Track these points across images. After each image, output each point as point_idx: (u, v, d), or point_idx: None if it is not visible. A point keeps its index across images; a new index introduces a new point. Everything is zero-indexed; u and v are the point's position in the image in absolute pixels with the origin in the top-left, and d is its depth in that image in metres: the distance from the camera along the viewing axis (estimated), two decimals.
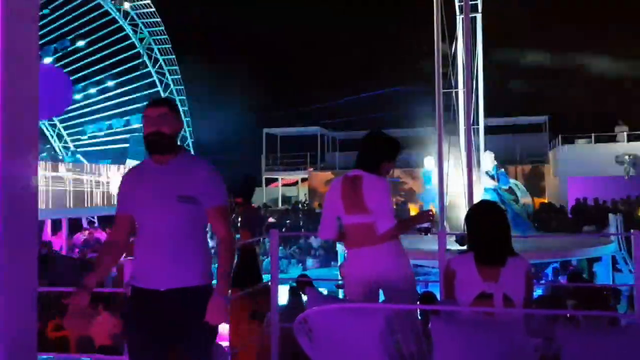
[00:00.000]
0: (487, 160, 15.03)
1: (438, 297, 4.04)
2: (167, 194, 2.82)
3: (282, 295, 9.24)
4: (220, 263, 2.86)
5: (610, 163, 25.49)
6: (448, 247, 8.14)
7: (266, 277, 4.84)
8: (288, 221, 24.19)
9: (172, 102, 3.11)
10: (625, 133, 27.67)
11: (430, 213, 4.04)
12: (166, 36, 34.50)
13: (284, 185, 35.72)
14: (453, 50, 17.26)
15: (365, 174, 3.73)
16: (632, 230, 4.66)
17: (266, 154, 34.29)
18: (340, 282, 3.79)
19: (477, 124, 18.95)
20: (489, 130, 21.34)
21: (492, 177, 14.62)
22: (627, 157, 25.27)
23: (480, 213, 3.33)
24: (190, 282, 2.81)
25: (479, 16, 18.22)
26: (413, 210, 27.88)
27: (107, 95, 33.39)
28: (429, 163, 15.63)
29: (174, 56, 35.02)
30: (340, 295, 10.81)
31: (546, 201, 26.96)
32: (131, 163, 19.81)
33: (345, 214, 3.73)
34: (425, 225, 3.91)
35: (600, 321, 2.57)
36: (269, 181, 35.33)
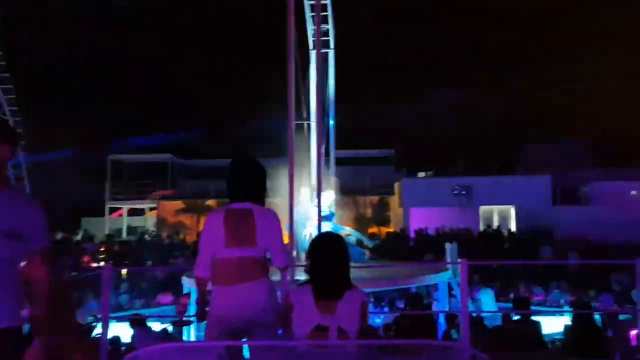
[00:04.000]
0: (328, 198, 15.45)
1: None
2: None
3: (125, 331, 8.77)
4: (34, 306, 2.64)
5: (449, 195, 27.28)
6: (297, 277, 8.19)
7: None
8: (134, 254, 23.13)
9: None
10: (462, 167, 29.89)
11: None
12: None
13: (130, 214, 34.01)
14: (306, 84, 17.71)
15: (255, 206, 3.62)
16: (459, 260, 4.97)
17: (111, 181, 32.62)
18: (176, 319, 3.62)
19: (328, 156, 19.51)
20: (339, 161, 22.02)
21: (326, 218, 15.05)
22: (462, 189, 27.22)
23: (320, 245, 3.34)
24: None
25: (331, 52, 18.91)
26: None
27: None
28: (304, 195, 15.70)
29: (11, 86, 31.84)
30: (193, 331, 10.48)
31: (392, 230, 28.26)
32: None
33: (226, 248, 3.54)
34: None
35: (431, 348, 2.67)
36: (114, 210, 33.53)
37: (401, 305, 14.59)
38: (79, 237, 27.60)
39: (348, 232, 16.46)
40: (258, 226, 3.55)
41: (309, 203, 15.19)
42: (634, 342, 7.16)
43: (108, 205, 32.13)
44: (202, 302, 3.66)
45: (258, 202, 3.66)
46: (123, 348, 7.65)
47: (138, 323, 5.15)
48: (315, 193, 12.74)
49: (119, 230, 31.48)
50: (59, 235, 25.85)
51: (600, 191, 27.61)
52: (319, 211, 11.87)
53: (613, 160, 29.27)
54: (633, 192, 27.58)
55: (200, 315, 3.64)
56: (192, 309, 4.59)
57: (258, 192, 3.68)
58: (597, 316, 8.49)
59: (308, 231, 14.31)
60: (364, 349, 2.92)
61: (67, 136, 35.95)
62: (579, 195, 28.60)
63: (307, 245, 3.41)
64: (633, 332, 7.80)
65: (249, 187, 3.67)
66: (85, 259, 20.66)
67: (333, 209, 15.96)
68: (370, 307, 12.26)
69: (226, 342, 2.95)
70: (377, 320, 11.69)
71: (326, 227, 14.56)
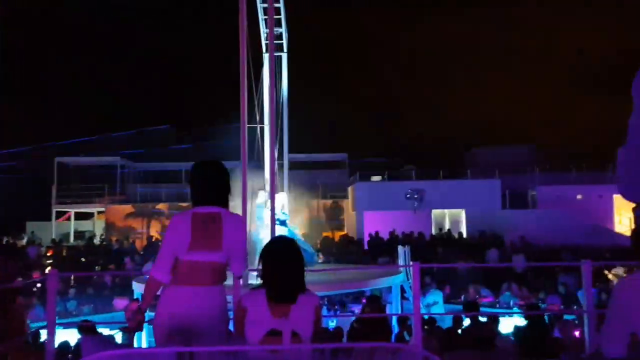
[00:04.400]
0: (281, 200, 15.44)
1: None
2: None
3: (73, 338, 8.52)
4: None
5: (401, 198, 27.57)
6: (250, 282, 8.11)
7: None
8: (83, 259, 22.55)
9: None
10: (413, 171, 30.25)
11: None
12: None
13: (77, 219, 33.08)
14: (259, 87, 17.63)
15: (225, 211, 3.55)
16: (411, 262, 5.00)
17: (58, 184, 31.65)
18: (125, 324, 3.50)
19: (282, 160, 19.46)
20: (292, 165, 21.98)
21: (280, 222, 15.02)
22: (414, 193, 27.54)
23: (273, 250, 3.31)
24: None
25: (284, 55, 18.86)
26: None
27: None
28: (261, 198, 15.58)
29: None
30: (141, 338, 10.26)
31: (344, 234, 28.39)
32: None
33: (190, 250, 3.45)
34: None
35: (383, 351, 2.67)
36: (60, 214, 32.57)
37: (354, 308, 14.67)
38: (24, 241, 26.76)
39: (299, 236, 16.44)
40: (225, 231, 3.49)
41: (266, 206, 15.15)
42: (577, 342, 7.37)
43: (54, 209, 31.22)
44: (148, 306, 3.55)
45: (224, 205, 3.60)
46: (70, 356, 7.45)
47: (86, 329, 4.99)
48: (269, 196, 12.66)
49: (66, 235, 30.62)
50: (4, 240, 25.04)
51: (547, 195, 28.38)
52: (272, 214, 11.81)
53: (560, 165, 30.10)
54: (579, 196, 28.45)
55: (140, 323, 3.48)
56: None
57: (224, 195, 3.62)
58: (545, 317, 8.68)
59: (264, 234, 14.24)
60: (318, 353, 2.90)
61: (12, 136, 34.93)
62: (528, 199, 29.31)
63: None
64: (577, 332, 8.03)
65: (216, 190, 3.60)
66: (30, 264, 20.01)
67: (286, 211, 15.92)
68: (324, 311, 12.26)
69: (177, 347, 2.88)
70: (331, 324, 11.70)
71: (281, 231, 14.51)
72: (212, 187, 3.58)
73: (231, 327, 3.51)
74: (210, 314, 3.45)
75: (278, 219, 15.19)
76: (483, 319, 8.32)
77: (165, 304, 3.48)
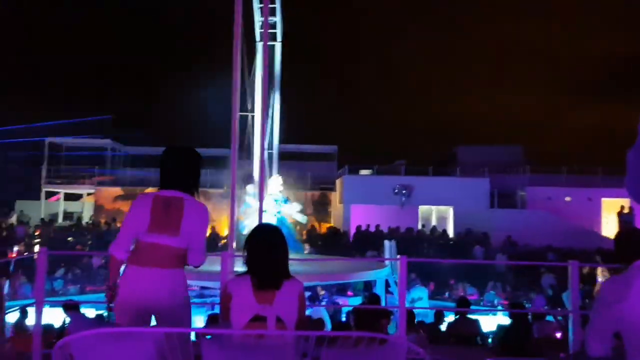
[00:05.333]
0: (275, 184, 15.48)
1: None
2: None
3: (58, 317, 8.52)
4: None
5: (389, 193, 27.64)
6: (237, 268, 8.14)
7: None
8: (70, 238, 22.49)
9: None
10: (402, 166, 30.31)
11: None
12: None
13: (67, 199, 33.05)
14: (251, 76, 17.60)
15: (188, 197, 3.56)
16: (398, 256, 5.04)
17: (48, 165, 31.56)
18: (111, 305, 3.53)
19: (272, 149, 19.45)
20: (282, 155, 21.97)
21: (281, 202, 15.07)
22: (402, 188, 27.62)
23: (258, 237, 3.34)
24: None
25: (277, 44, 18.81)
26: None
27: None
28: (250, 188, 15.56)
29: None
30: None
31: (330, 225, 28.44)
32: None
33: (149, 232, 3.48)
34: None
35: (370, 342, 2.71)
36: (50, 195, 32.48)
37: (338, 300, 14.73)
38: (13, 219, 26.67)
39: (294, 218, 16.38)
40: (185, 217, 3.50)
41: (274, 191, 15.18)
42: (558, 343, 7.46)
43: (44, 189, 31.10)
44: (113, 284, 3.57)
45: (189, 192, 3.60)
46: (54, 339, 7.47)
47: (71, 308, 5.01)
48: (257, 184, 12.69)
49: (55, 215, 30.57)
50: None
51: (536, 196, 28.55)
52: (261, 202, 11.84)
53: (550, 167, 30.30)
54: (567, 198, 28.65)
55: (111, 298, 3.53)
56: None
57: (189, 180, 3.62)
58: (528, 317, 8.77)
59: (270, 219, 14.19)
60: (302, 339, 2.93)
61: (4, 115, 34.68)
62: (516, 199, 29.47)
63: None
64: (558, 334, 8.13)
65: (182, 175, 3.61)
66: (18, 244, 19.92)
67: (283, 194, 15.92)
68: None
69: (163, 328, 2.90)
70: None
71: (288, 209, 14.54)
72: (178, 173, 3.60)
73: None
74: (171, 296, 3.49)
75: (284, 199, 15.24)
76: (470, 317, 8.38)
77: (125, 283, 3.52)
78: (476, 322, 7.70)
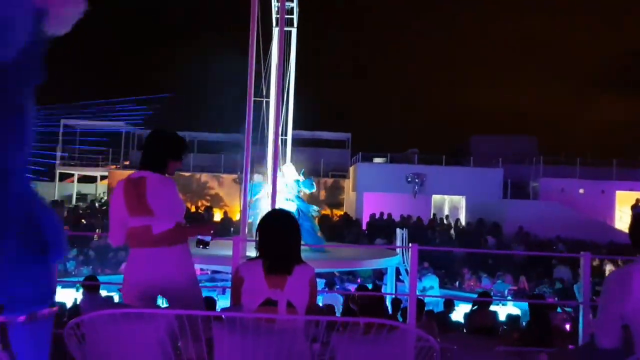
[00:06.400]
0: (290, 171, 15.44)
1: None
2: None
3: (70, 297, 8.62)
4: None
5: (402, 182, 27.57)
6: (248, 253, 8.16)
7: None
8: (84, 220, 22.69)
9: None
10: (416, 155, 30.20)
11: (212, 227, 3.87)
12: None
13: (80, 181, 33.27)
14: (267, 62, 17.55)
15: (150, 174, 3.60)
16: (410, 244, 5.04)
17: (63, 147, 31.76)
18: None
19: (286, 135, 19.45)
20: (296, 142, 21.95)
21: (303, 185, 15.04)
22: (415, 177, 27.54)
23: (270, 221, 3.36)
24: None
25: (294, 30, 18.73)
26: (219, 214, 27.82)
27: None
28: (258, 176, 15.53)
29: None
30: None
31: (343, 213, 28.46)
32: None
33: (130, 217, 3.56)
34: (207, 238, 3.78)
35: (379, 329, 2.72)
36: (65, 176, 32.73)
37: (350, 287, 14.76)
38: None
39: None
40: (149, 195, 3.52)
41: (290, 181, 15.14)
42: (567, 334, 7.46)
43: (58, 170, 31.36)
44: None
45: (150, 169, 3.63)
46: (65, 319, 7.56)
47: (91, 289, 5.07)
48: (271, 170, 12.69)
49: (69, 197, 30.82)
50: None
51: (549, 188, 28.34)
52: (274, 187, 11.85)
53: (564, 158, 30.03)
54: (581, 191, 28.43)
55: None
56: None
57: (155, 160, 3.65)
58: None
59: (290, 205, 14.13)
60: (312, 324, 2.95)
61: None
62: (529, 190, 29.30)
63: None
64: (567, 325, 8.12)
65: (147, 154, 3.68)
66: None
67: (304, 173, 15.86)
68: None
69: (175, 310, 2.92)
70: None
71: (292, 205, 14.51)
72: (145, 152, 3.68)
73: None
74: (175, 274, 3.54)
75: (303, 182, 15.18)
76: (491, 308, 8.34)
77: (129, 266, 3.62)
78: (495, 313, 7.68)
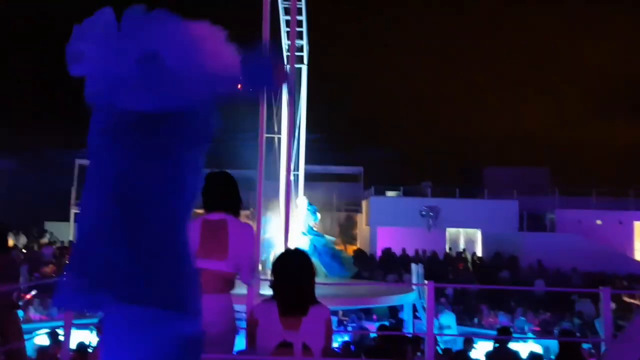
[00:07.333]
0: (303, 203, 15.46)
1: None
2: None
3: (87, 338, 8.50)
4: None
5: (416, 215, 27.37)
6: (262, 292, 8.05)
7: None
8: None
9: None
10: (429, 188, 30.03)
11: None
12: None
13: None
14: (278, 98, 17.66)
15: (231, 218, 3.58)
16: (425, 281, 4.94)
17: (77, 186, 31.94)
18: None
19: (298, 170, 19.43)
20: (308, 177, 21.92)
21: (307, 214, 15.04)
22: (429, 211, 27.34)
23: (284, 261, 3.31)
24: None
25: (304, 67, 18.90)
26: None
27: None
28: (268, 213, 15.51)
29: None
30: None
31: (357, 248, 28.23)
32: None
33: (199, 258, 3.41)
34: None
35: None
36: None
37: (366, 324, 14.50)
38: (45, 240, 26.99)
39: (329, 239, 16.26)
40: (231, 239, 3.49)
41: (303, 214, 15.17)
42: None
43: (73, 210, 31.50)
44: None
45: (231, 212, 3.63)
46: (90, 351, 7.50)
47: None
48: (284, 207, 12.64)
49: None
50: (23, 240, 25.18)
51: (566, 219, 28.01)
52: (287, 225, 11.75)
53: (579, 188, 29.73)
54: (598, 222, 28.07)
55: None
56: None
57: (231, 202, 3.65)
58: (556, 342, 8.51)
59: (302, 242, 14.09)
60: None
61: (34, 137, 35.30)
62: (545, 222, 28.98)
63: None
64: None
65: (222, 197, 3.65)
66: (49, 267, 20.02)
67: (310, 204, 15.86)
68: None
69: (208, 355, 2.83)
70: (339, 339, 11.57)
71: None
72: (220, 195, 3.66)
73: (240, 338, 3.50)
74: (217, 322, 3.42)
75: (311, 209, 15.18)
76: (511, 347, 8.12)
77: None
78: (516, 353, 7.46)
